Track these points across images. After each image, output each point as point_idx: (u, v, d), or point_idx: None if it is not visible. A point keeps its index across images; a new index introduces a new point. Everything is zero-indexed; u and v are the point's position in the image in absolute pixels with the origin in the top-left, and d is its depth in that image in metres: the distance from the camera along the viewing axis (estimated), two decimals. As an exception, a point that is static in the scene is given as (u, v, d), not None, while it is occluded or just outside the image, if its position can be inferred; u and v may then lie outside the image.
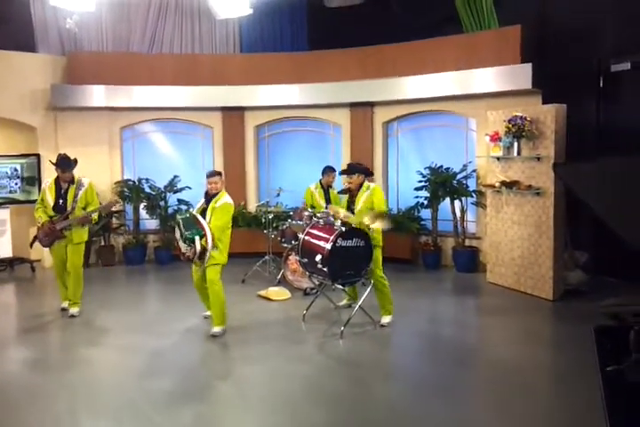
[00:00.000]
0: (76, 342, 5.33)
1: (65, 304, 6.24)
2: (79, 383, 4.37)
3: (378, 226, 5.40)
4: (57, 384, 4.37)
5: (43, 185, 6.26)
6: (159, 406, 3.96)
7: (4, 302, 7.13)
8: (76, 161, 6.08)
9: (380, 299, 5.71)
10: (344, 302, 6.27)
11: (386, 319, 5.70)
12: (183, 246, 5.29)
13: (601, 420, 1.99)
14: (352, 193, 5.72)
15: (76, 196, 6.00)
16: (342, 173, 5.92)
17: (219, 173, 5.70)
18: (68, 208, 5.98)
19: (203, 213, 5.45)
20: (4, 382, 4.40)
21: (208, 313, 5.75)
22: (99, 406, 4.00)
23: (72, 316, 6.06)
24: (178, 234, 5.42)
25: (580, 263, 6.92)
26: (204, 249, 5.17)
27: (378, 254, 5.59)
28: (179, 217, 5.47)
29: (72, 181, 6.03)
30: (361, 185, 5.65)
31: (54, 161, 6.07)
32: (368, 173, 5.83)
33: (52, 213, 5.99)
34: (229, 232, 5.52)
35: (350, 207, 5.66)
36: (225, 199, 5.46)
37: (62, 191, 6.02)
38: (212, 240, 5.19)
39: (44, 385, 4.34)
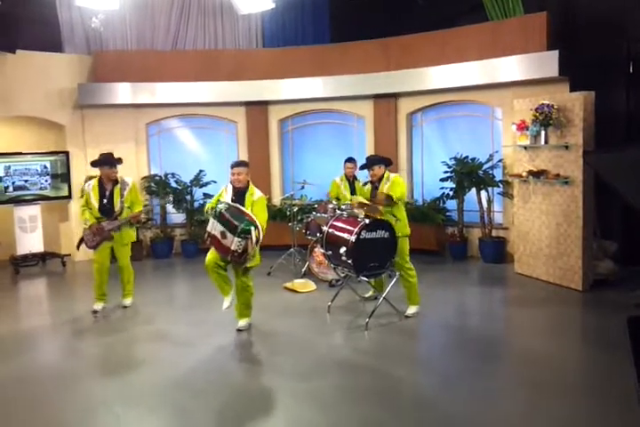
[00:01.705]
0: (107, 335, 5.43)
1: (98, 306, 6.05)
2: (113, 373, 4.48)
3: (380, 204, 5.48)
4: (90, 374, 4.48)
5: (85, 187, 6.12)
6: (190, 396, 4.02)
7: (37, 296, 7.33)
8: (120, 159, 6.04)
9: (406, 289, 5.69)
10: (370, 293, 6.26)
11: (411, 310, 5.68)
12: (235, 242, 4.71)
13: (635, 409, 1.97)
14: (374, 185, 5.73)
15: (122, 196, 5.89)
16: (362, 168, 5.91)
17: (244, 164, 5.21)
18: (116, 209, 5.87)
19: None
20: (40, 371, 4.52)
21: (226, 304, 5.30)
22: (132, 394, 4.08)
23: (125, 307, 6.19)
24: (220, 227, 4.84)
25: (609, 253, 6.80)
26: (257, 241, 4.71)
27: (404, 245, 5.58)
28: (220, 207, 4.88)
29: (116, 180, 5.94)
30: (382, 176, 5.65)
31: (96, 160, 5.98)
32: (387, 163, 5.78)
33: (97, 214, 5.86)
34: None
35: (372, 199, 5.68)
36: (259, 193, 5.16)
37: (107, 193, 5.89)
38: (263, 231, 4.75)
39: (79, 375, 4.45)
